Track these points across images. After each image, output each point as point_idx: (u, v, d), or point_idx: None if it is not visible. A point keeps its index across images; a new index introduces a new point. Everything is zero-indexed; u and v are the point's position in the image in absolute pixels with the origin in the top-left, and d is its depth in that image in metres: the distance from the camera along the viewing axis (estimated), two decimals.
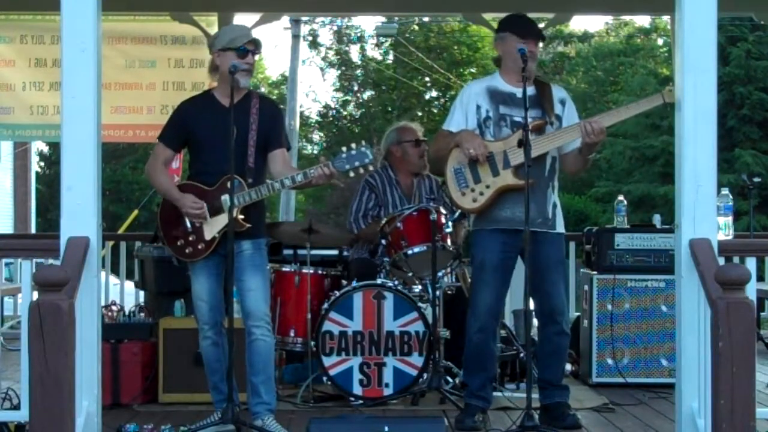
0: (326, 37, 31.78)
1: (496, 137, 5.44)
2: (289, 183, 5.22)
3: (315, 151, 31.92)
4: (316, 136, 32.81)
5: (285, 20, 18.58)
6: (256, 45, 5.30)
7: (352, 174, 5.23)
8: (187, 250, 5.27)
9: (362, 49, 31.81)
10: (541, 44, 5.57)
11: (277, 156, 5.32)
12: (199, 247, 5.25)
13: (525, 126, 5.19)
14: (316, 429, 4.66)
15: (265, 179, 5.30)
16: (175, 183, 5.46)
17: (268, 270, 5.59)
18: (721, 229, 5.67)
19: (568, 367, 6.55)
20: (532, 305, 5.32)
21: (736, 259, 5.51)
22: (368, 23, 31.88)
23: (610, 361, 6.67)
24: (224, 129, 5.08)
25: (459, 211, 5.89)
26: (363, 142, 5.25)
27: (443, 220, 6.12)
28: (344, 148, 5.22)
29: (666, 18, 18.85)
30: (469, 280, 6.36)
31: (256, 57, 5.34)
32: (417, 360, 6.07)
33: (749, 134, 22.59)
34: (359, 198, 6.82)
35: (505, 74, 5.53)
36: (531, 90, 5.44)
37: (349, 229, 6.82)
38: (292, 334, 6.31)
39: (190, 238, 5.26)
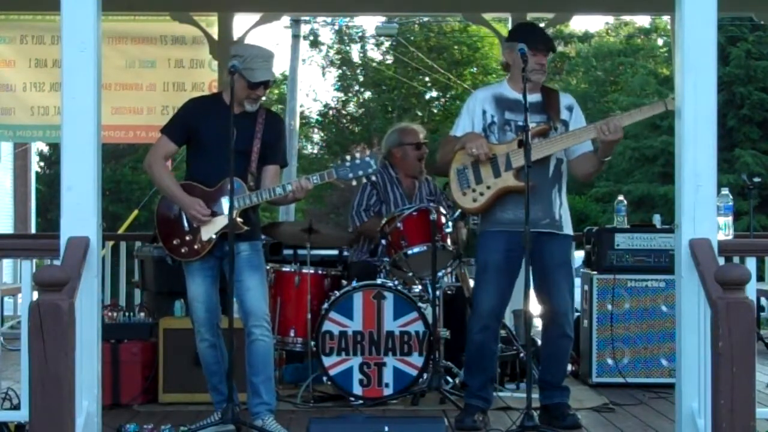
0: (327, 36, 31.83)
1: (500, 141, 5.44)
2: (290, 188, 5.22)
3: (315, 151, 31.93)
4: (316, 135, 32.81)
5: (285, 20, 18.58)
6: (270, 83, 5.29)
7: (354, 183, 5.26)
8: (182, 250, 5.26)
9: (363, 49, 31.83)
10: (549, 54, 5.55)
11: (269, 171, 5.34)
12: (196, 247, 5.24)
13: (525, 127, 5.18)
14: (316, 429, 4.66)
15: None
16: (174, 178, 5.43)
17: (268, 270, 5.59)
18: (721, 229, 5.67)
19: (569, 367, 6.54)
20: (531, 305, 5.32)
21: (736, 259, 5.51)
22: (368, 23, 31.88)
23: (610, 361, 6.67)
24: (229, 131, 5.08)
25: (459, 211, 5.90)
26: (367, 151, 5.26)
27: (443, 220, 6.12)
28: (348, 157, 5.24)
29: (666, 18, 18.86)
30: (470, 280, 6.37)
31: (266, 91, 5.33)
32: (417, 360, 6.07)
33: (749, 134, 22.60)
34: (360, 194, 6.81)
35: (512, 82, 5.53)
36: (537, 97, 5.47)
37: (351, 223, 6.81)
38: (292, 334, 6.31)
39: (187, 238, 5.26)
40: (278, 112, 5.66)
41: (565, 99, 5.62)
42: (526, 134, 5.17)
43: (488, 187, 5.40)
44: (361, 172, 5.21)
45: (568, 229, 5.57)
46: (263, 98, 5.34)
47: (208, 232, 5.23)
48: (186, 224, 5.27)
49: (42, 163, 27.36)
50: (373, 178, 5.34)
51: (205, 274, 5.29)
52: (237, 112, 5.16)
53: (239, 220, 5.16)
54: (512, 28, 5.73)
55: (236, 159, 5.07)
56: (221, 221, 5.19)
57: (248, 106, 5.26)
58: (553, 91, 5.64)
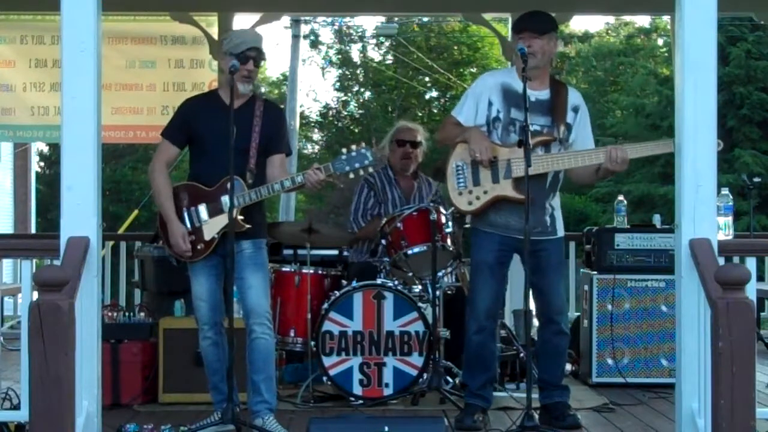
0: (327, 36, 31.84)
1: (503, 141, 5.40)
2: (289, 184, 5.22)
3: (315, 151, 31.93)
4: (316, 135, 32.81)
5: (285, 20, 18.59)
6: (258, 53, 5.26)
7: (352, 176, 5.23)
8: None
9: (363, 49, 31.84)
10: (543, 36, 5.44)
11: (275, 160, 5.32)
12: (199, 247, 5.25)
13: (525, 136, 5.13)
14: (316, 429, 4.65)
15: (266, 181, 5.31)
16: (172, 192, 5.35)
17: (269, 270, 5.59)
18: (721, 229, 5.67)
19: (568, 367, 6.55)
20: (532, 305, 5.32)
21: (736, 259, 5.51)
22: (368, 23, 31.91)
23: (610, 361, 6.67)
24: (227, 129, 5.07)
25: (452, 208, 5.89)
26: (363, 144, 5.24)
27: (443, 220, 6.12)
28: (344, 150, 5.22)
29: (666, 18, 18.86)
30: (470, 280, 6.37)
31: (258, 65, 5.28)
32: (417, 360, 6.07)
33: (749, 134, 22.60)
34: (358, 197, 6.83)
35: (519, 73, 5.47)
36: (545, 94, 5.43)
37: (349, 228, 6.82)
38: (292, 334, 6.31)
39: (190, 239, 5.26)
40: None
41: (573, 97, 5.52)
42: (526, 137, 5.14)
43: (485, 192, 5.36)
44: (357, 165, 5.18)
45: (560, 232, 5.56)
46: (259, 86, 5.31)
47: (210, 232, 5.24)
48: (188, 225, 5.27)
49: (42, 163, 27.35)
50: (371, 169, 5.28)
51: (209, 273, 5.29)
52: (235, 107, 5.14)
53: (240, 217, 5.16)
54: None
55: (234, 157, 5.06)
56: (222, 220, 5.18)
57: (241, 87, 5.20)
58: (563, 86, 5.56)
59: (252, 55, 5.22)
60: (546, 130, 5.39)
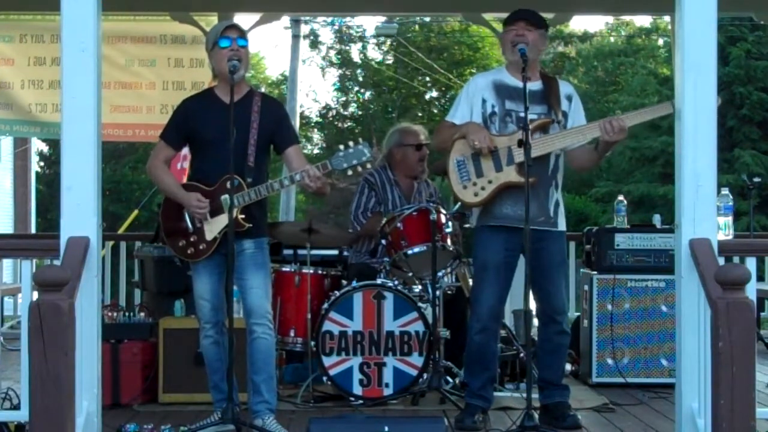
0: (327, 36, 31.85)
1: (501, 133, 5.41)
2: (288, 183, 5.22)
3: (315, 151, 31.95)
4: (316, 136, 32.82)
5: (285, 20, 18.59)
6: (237, 30, 5.23)
7: (350, 173, 5.21)
8: (188, 251, 5.27)
9: (363, 48, 31.86)
10: (535, 30, 5.40)
11: (291, 154, 5.30)
12: (201, 247, 5.25)
13: (525, 126, 5.16)
14: (316, 429, 4.66)
15: (267, 178, 5.30)
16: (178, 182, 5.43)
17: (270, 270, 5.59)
18: (721, 229, 5.67)
19: (568, 367, 6.55)
20: (532, 305, 5.31)
21: (736, 259, 5.51)
22: (368, 23, 31.95)
23: (610, 361, 6.67)
24: (225, 127, 5.07)
25: (458, 204, 5.88)
26: (360, 140, 5.23)
27: (443, 220, 6.12)
28: (341, 147, 5.19)
29: (666, 18, 18.85)
30: (470, 280, 6.37)
31: (244, 43, 5.23)
32: (417, 360, 6.07)
33: (749, 134, 22.62)
34: (359, 196, 6.82)
35: (511, 68, 5.47)
36: (538, 85, 5.44)
37: (352, 228, 6.82)
38: (292, 334, 6.31)
39: (192, 239, 5.26)
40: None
41: (565, 87, 5.56)
42: (526, 134, 5.14)
43: (489, 182, 5.36)
44: (355, 161, 5.15)
45: (562, 225, 5.55)
46: (259, 86, 5.31)
47: (212, 232, 5.23)
48: (190, 225, 5.26)
49: (42, 163, 27.36)
50: (369, 165, 5.26)
51: (211, 272, 5.29)
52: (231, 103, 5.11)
53: (241, 216, 5.15)
54: None
55: (233, 155, 5.03)
56: (223, 220, 5.17)
57: (230, 76, 5.12)
58: (553, 79, 5.58)
59: (232, 35, 5.18)
60: (543, 117, 5.40)
